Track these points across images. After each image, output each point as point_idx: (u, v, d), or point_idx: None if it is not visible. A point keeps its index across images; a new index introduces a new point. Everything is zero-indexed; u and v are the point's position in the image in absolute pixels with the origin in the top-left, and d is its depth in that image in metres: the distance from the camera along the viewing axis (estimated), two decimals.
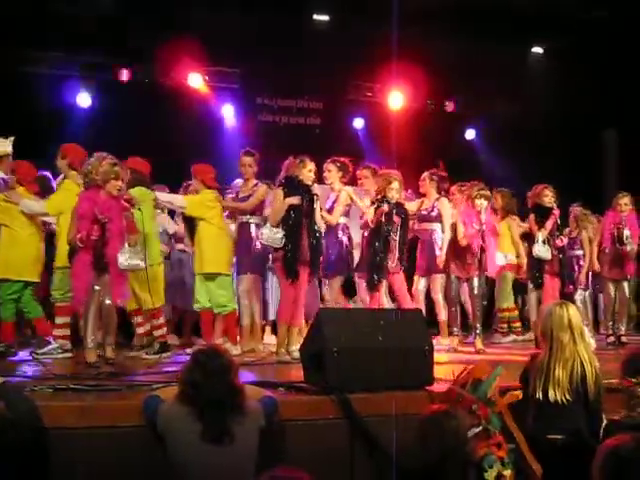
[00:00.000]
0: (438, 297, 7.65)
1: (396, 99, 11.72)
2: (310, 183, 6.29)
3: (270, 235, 6.15)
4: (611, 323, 8.28)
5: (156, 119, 9.69)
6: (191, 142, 9.71)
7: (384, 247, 6.92)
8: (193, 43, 10.04)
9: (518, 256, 8.51)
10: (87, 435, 3.70)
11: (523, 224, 8.61)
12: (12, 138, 6.60)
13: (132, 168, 6.42)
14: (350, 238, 7.32)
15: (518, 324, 8.71)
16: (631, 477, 2.36)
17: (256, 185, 7.08)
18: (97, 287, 5.48)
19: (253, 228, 7.06)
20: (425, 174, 7.77)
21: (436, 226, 7.71)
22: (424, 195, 7.96)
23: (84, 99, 10.43)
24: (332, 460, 3.96)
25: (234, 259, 7.07)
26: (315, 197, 6.30)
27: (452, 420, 3.36)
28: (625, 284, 8.23)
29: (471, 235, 7.24)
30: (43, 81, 9.98)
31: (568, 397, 3.95)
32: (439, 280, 7.64)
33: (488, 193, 7.49)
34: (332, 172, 7.23)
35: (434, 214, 7.74)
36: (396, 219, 6.99)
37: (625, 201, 8.12)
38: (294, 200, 6.14)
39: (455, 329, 7.67)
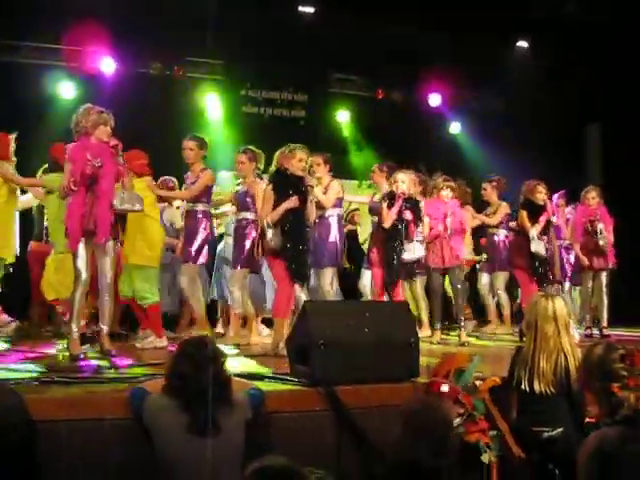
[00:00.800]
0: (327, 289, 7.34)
1: (379, 93, 11.73)
2: (301, 174, 6.19)
3: (273, 237, 6.06)
4: (587, 316, 8.37)
5: (137, 110, 9.61)
6: (173, 133, 9.64)
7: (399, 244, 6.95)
8: (176, 33, 9.99)
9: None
10: (73, 428, 3.66)
11: (478, 215, 8.70)
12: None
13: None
14: (342, 229, 7.30)
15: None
16: (616, 473, 2.36)
17: (202, 171, 6.88)
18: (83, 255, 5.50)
19: (200, 215, 6.86)
20: (375, 166, 7.60)
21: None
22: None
23: (67, 89, 10.36)
24: (318, 452, 3.94)
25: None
26: (309, 189, 6.21)
27: (439, 412, 3.37)
28: (603, 275, 8.30)
29: (436, 228, 7.42)
30: (25, 71, 9.92)
31: (552, 389, 3.96)
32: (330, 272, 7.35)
33: (453, 184, 7.55)
34: (320, 166, 7.13)
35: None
36: (409, 215, 6.99)
37: (592, 195, 8.27)
38: (291, 204, 6.05)
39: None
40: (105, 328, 5.64)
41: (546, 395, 3.96)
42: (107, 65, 10.39)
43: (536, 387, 3.97)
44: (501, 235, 8.78)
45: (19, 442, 2.94)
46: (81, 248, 5.52)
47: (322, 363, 4.26)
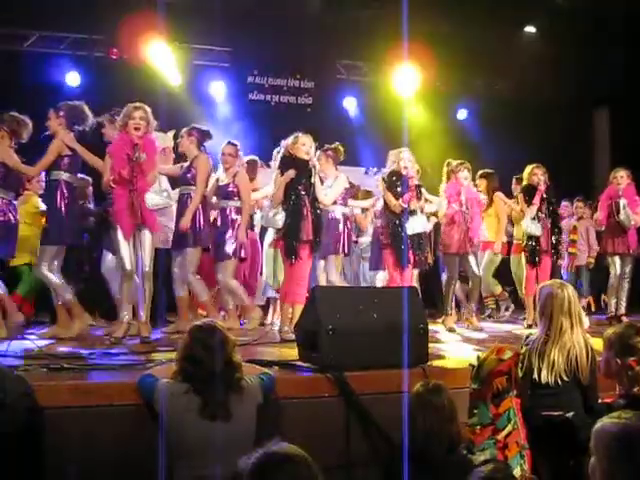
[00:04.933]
0: (334, 278, 7.37)
1: (388, 79, 11.67)
2: (306, 157, 6.22)
3: (268, 218, 6.22)
4: (614, 300, 8.27)
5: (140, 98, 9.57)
6: (181, 121, 9.62)
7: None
8: (184, 21, 9.95)
9: None
10: (82, 414, 3.67)
11: (508, 201, 8.67)
12: (173, 131, 7.16)
13: None
14: (348, 218, 7.32)
15: None
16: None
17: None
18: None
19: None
20: (319, 152, 7.29)
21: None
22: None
23: (73, 78, 10.37)
24: (328, 438, 3.95)
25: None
26: (313, 170, 6.25)
27: (438, 396, 3.36)
28: (629, 259, 8.24)
29: (454, 211, 7.44)
30: (30, 59, 9.92)
31: (565, 378, 3.90)
32: (336, 261, 7.42)
33: (469, 166, 7.54)
34: (322, 162, 7.15)
35: None
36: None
37: (621, 174, 8.16)
38: (289, 175, 6.11)
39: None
40: (143, 316, 5.82)
41: (557, 385, 3.91)
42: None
43: (547, 377, 3.91)
44: None
45: (25, 428, 2.94)
46: (125, 242, 5.75)
47: (331, 349, 4.26)
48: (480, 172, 8.50)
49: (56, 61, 10.33)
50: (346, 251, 7.45)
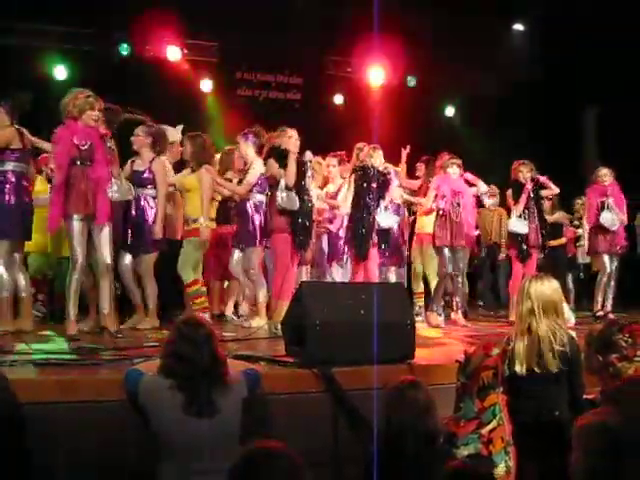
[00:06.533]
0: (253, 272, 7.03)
1: (375, 75, 11.69)
2: (294, 150, 6.21)
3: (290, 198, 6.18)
4: (600, 298, 8.30)
5: (134, 93, 9.56)
6: (170, 116, 9.59)
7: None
8: (171, 16, 9.92)
9: None
10: (70, 410, 3.65)
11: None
12: (181, 126, 7.15)
13: None
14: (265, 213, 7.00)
15: None
16: (626, 450, 2.31)
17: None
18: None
19: None
20: (239, 136, 7.14)
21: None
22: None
23: (61, 72, 10.33)
24: (315, 434, 3.96)
25: None
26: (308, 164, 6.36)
27: (413, 390, 3.37)
28: (616, 257, 8.29)
29: (444, 206, 7.49)
30: (18, 52, 9.86)
31: (544, 371, 3.91)
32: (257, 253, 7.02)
33: (459, 161, 7.55)
34: (242, 147, 7.02)
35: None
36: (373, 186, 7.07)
37: (605, 172, 8.22)
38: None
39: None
40: (106, 309, 5.75)
41: (538, 378, 3.90)
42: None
43: (518, 369, 3.90)
44: None
45: (2, 424, 2.91)
46: (78, 232, 5.59)
47: (318, 344, 4.27)
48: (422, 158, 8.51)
49: (44, 54, 10.27)
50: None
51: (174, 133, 7.22)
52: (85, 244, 5.65)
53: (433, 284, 7.97)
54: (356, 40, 10.88)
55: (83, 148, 5.57)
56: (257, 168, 6.82)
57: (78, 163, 5.58)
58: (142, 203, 6.63)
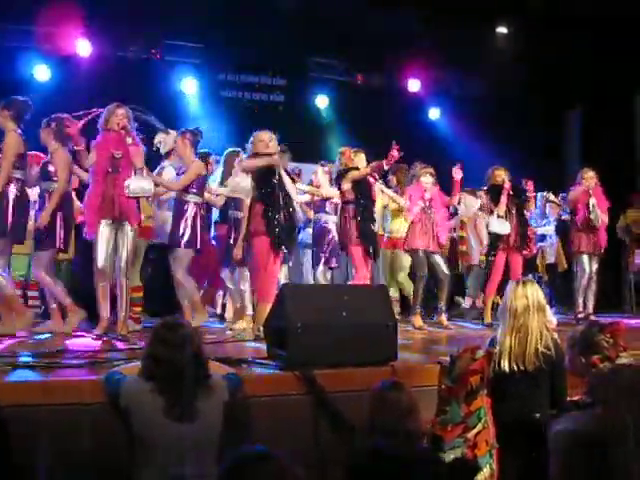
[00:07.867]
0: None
1: (359, 77, 11.72)
2: (268, 151, 6.11)
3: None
4: (581, 300, 8.33)
5: (114, 94, 9.48)
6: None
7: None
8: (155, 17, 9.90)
9: None
10: (51, 412, 3.62)
11: None
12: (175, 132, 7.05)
13: None
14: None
15: None
16: (598, 458, 2.29)
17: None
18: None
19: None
20: (177, 135, 7.00)
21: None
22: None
23: (42, 72, 10.25)
24: (296, 436, 3.94)
25: None
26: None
27: (395, 392, 3.37)
28: (596, 258, 8.35)
29: (417, 212, 7.53)
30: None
31: (526, 371, 3.93)
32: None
33: (432, 170, 7.59)
34: (180, 147, 6.89)
35: None
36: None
37: (590, 174, 8.29)
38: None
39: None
40: (123, 313, 5.87)
41: (520, 378, 3.93)
42: (83, 47, 10.28)
43: (506, 368, 3.93)
44: None
45: None
46: (104, 237, 5.84)
47: (300, 347, 4.25)
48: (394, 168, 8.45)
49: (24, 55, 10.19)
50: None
51: (168, 139, 7.10)
52: (109, 250, 5.85)
53: (406, 288, 8.29)
54: (338, 42, 10.92)
55: (117, 157, 5.85)
56: (195, 169, 6.70)
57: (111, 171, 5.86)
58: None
